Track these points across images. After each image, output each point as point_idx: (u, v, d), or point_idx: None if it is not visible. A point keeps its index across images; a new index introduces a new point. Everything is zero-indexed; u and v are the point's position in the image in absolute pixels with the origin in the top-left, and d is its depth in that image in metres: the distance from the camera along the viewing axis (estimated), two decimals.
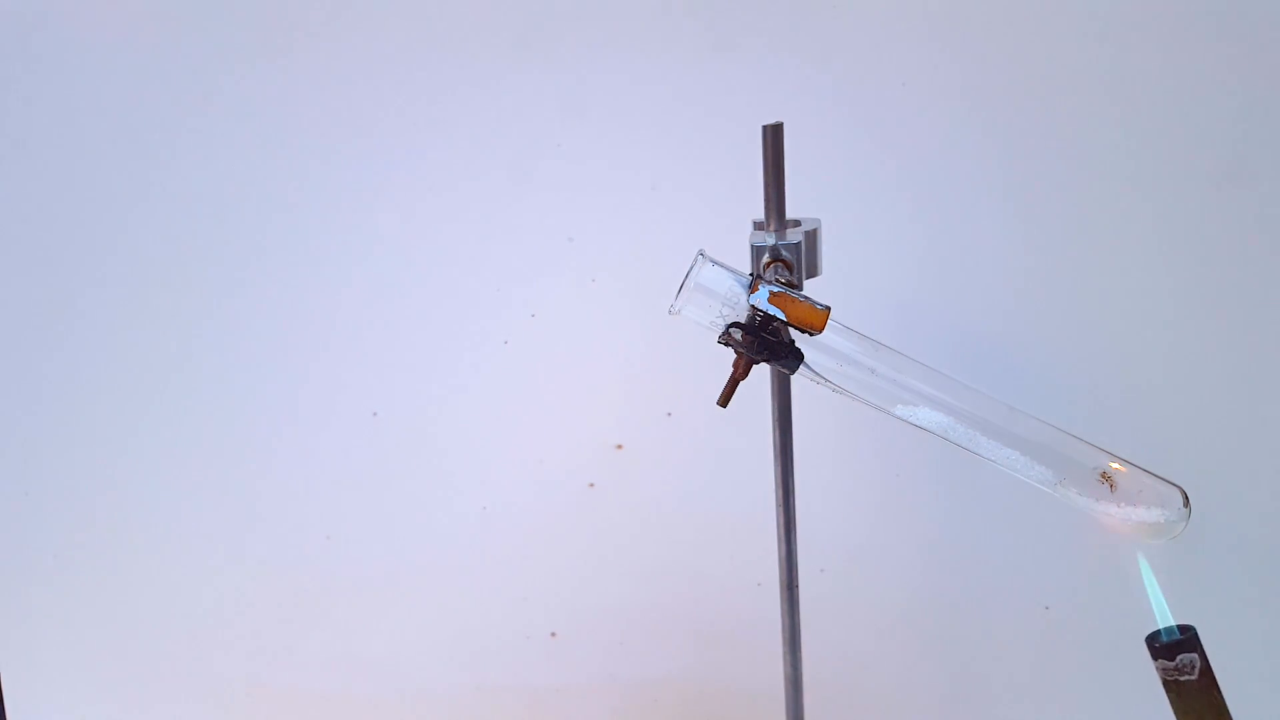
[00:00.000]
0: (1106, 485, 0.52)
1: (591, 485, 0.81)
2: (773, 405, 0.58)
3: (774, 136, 0.53)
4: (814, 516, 0.66)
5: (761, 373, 0.53)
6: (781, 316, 0.49)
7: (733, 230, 0.59)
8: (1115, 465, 0.52)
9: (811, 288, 0.54)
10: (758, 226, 0.56)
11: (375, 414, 0.81)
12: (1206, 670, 0.45)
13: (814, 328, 0.50)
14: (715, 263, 0.51)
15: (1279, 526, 0.79)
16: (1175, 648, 0.45)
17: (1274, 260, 0.76)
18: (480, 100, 0.76)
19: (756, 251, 0.54)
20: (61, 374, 0.82)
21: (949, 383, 0.52)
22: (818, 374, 0.52)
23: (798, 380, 0.54)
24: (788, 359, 0.51)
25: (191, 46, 0.76)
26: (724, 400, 0.53)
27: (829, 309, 0.50)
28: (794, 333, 0.51)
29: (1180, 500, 0.52)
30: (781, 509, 0.60)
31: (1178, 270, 0.76)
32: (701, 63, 0.76)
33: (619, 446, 0.81)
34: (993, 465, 0.52)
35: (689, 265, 0.51)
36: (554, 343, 0.80)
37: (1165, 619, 0.46)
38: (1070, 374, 0.78)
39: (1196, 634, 0.46)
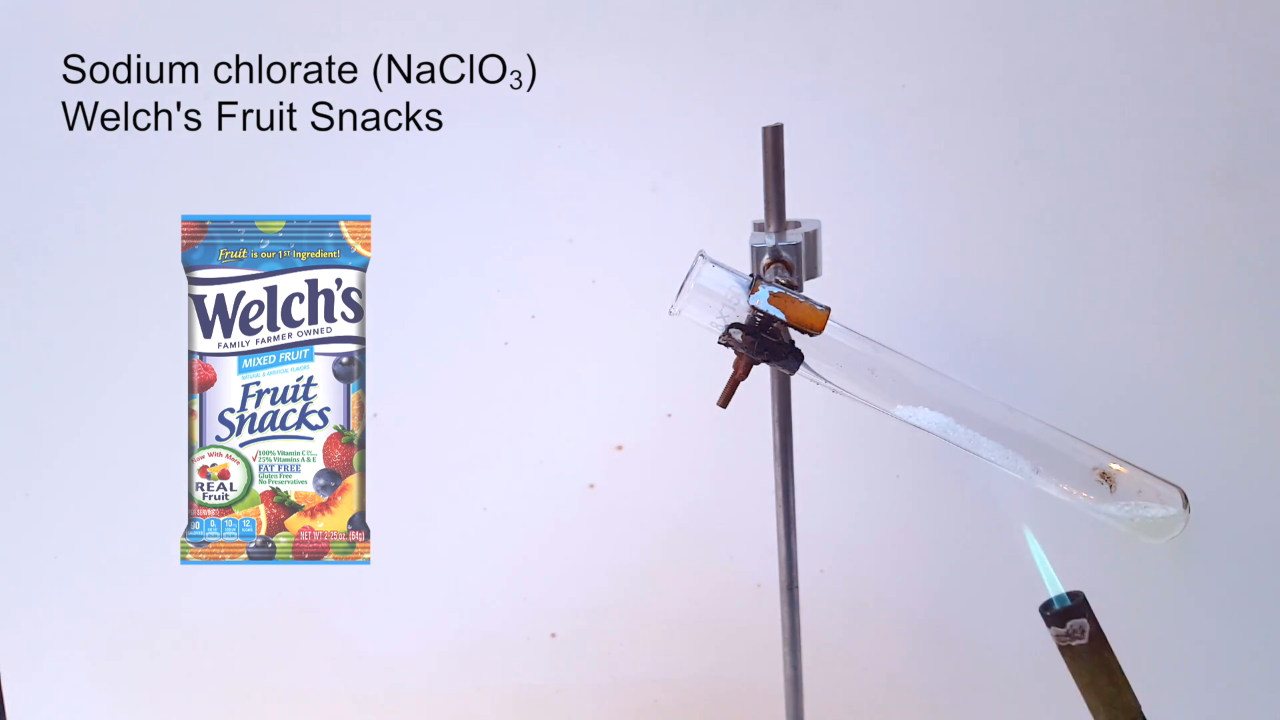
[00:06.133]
0: (1106, 485, 0.52)
1: (591, 486, 0.81)
2: (773, 405, 0.58)
3: (774, 137, 0.53)
4: (814, 516, 0.66)
5: (761, 373, 0.54)
6: (781, 317, 0.49)
7: (733, 231, 0.59)
8: (1115, 465, 0.52)
9: (811, 288, 0.54)
10: (758, 227, 0.56)
11: (375, 415, 0.81)
12: (1097, 633, 0.47)
13: (814, 328, 0.50)
14: (716, 263, 0.51)
15: (1277, 526, 0.79)
16: (1065, 614, 0.47)
17: (1271, 260, 0.76)
18: (480, 100, 0.76)
19: (756, 252, 0.54)
20: (63, 374, 0.82)
21: (948, 383, 0.52)
22: (818, 374, 0.52)
23: (798, 380, 0.54)
24: (788, 359, 0.51)
25: (190, 41, 0.77)
26: (724, 401, 0.53)
27: (829, 310, 0.50)
28: (794, 333, 0.51)
29: (1180, 500, 0.52)
30: (781, 509, 0.60)
31: (1175, 271, 0.76)
32: (701, 63, 0.76)
33: (619, 447, 0.81)
34: (992, 465, 0.52)
35: (689, 266, 0.51)
36: (554, 343, 0.80)
37: (1055, 587, 0.48)
38: (1069, 374, 0.78)
39: (1085, 600, 0.47)
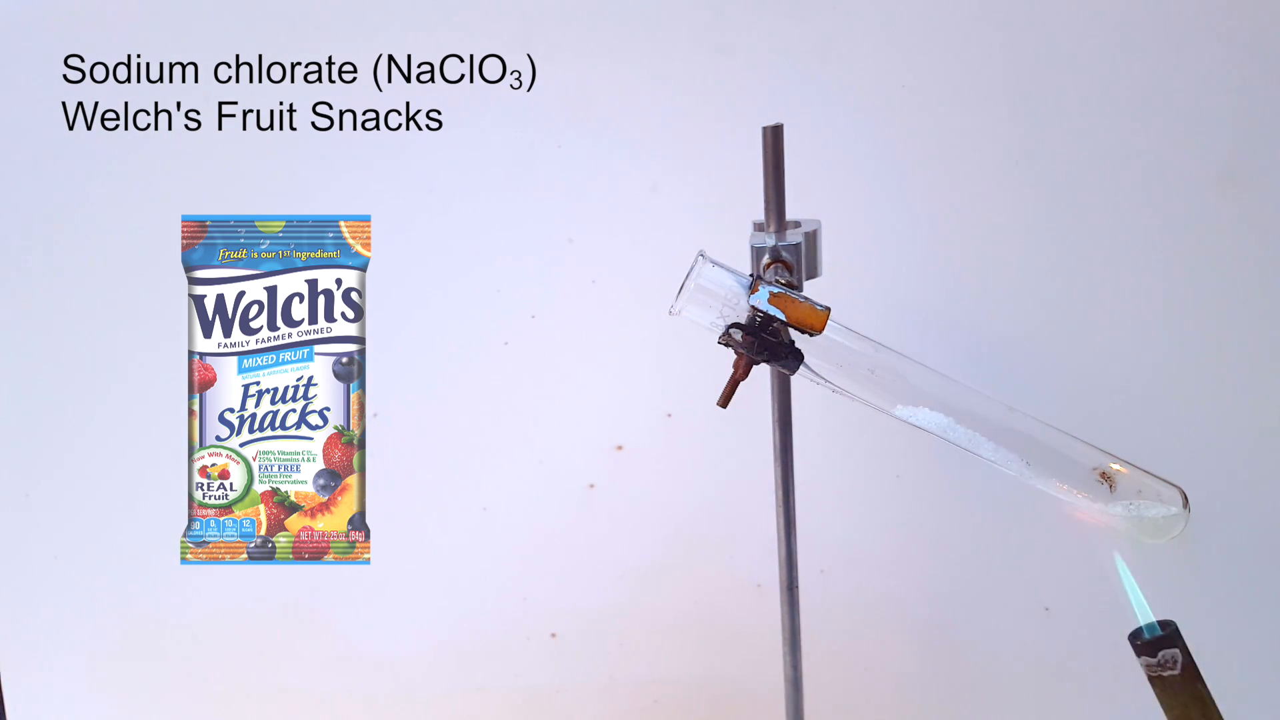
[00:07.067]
0: (1106, 485, 0.52)
1: (591, 486, 0.81)
2: (773, 405, 0.58)
3: (774, 137, 0.53)
4: (814, 516, 0.66)
5: (761, 373, 0.54)
6: (781, 317, 0.49)
7: (733, 231, 0.59)
8: (1115, 465, 0.52)
9: (811, 288, 0.54)
10: (758, 227, 0.56)
11: (375, 415, 0.81)
12: (1189, 664, 0.46)
13: (814, 328, 0.50)
14: (716, 263, 0.51)
15: (1277, 526, 0.79)
16: (1157, 644, 0.46)
17: (1271, 260, 0.76)
18: (480, 100, 0.76)
19: (756, 252, 0.54)
20: (63, 374, 0.82)
21: (948, 383, 0.52)
22: (818, 374, 0.52)
23: (798, 380, 0.54)
24: (788, 359, 0.51)
25: (190, 41, 0.77)
26: (724, 401, 0.53)
27: (829, 310, 0.50)
28: (794, 333, 0.51)
29: (1180, 500, 0.52)
30: (781, 509, 0.60)
31: (1175, 270, 0.76)
32: (701, 63, 0.76)
33: (619, 447, 0.81)
34: (992, 465, 0.52)
35: (689, 266, 0.51)
36: (554, 343, 0.80)
37: (1146, 616, 0.47)
38: (1069, 374, 0.78)
39: (1178, 629, 0.46)
